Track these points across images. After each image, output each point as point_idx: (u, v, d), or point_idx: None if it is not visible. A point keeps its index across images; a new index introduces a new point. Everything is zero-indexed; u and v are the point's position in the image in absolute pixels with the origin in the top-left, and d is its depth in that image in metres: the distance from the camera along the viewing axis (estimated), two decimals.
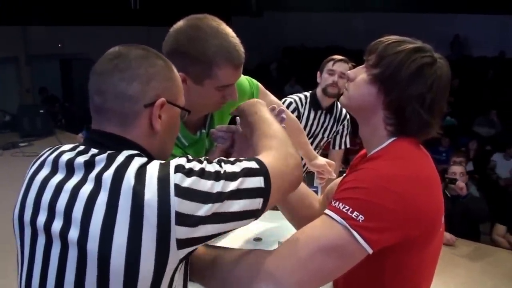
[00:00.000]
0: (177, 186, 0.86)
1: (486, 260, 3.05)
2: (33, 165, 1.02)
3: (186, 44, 1.29)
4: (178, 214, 0.85)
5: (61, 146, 1.01)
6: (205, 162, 0.94)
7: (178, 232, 0.85)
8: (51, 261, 0.90)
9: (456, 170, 3.96)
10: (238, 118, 1.35)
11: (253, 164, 0.98)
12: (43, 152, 1.03)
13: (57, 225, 0.90)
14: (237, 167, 0.95)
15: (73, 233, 0.87)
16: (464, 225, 3.69)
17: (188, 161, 0.92)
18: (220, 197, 0.89)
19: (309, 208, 1.44)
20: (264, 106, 1.26)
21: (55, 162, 0.97)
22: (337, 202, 1.02)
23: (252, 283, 1.00)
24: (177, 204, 0.85)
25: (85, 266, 0.86)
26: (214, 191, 0.89)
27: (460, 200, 3.75)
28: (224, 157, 1.32)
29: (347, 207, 1.00)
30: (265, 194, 0.97)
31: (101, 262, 0.84)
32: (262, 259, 1.02)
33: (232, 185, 0.91)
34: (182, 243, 0.87)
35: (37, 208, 0.94)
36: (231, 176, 0.92)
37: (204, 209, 0.87)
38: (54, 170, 0.96)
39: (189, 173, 0.89)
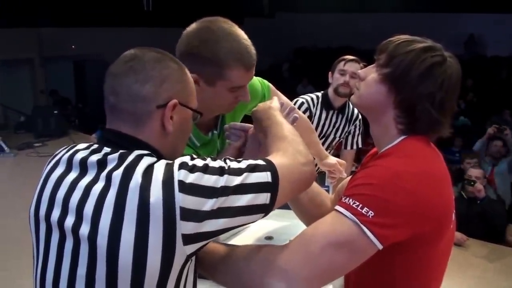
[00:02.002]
0: (181, 182, 0.88)
1: (500, 261, 3.02)
2: (49, 163, 1.04)
3: (198, 46, 1.31)
4: (183, 209, 0.87)
5: (76, 145, 1.04)
6: (208, 159, 0.95)
7: (184, 227, 0.87)
8: (64, 256, 0.93)
9: (472, 173, 3.93)
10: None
11: (259, 162, 0.99)
12: (59, 151, 1.05)
13: (69, 221, 0.93)
14: (242, 164, 0.97)
15: (84, 229, 0.90)
16: (481, 228, 3.65)
17: (192, 158, 0.94)
18: (225, 191, 0.90)
19: (320, 207, 1.45)
20: (276, 110, 1.27)
21: (70, 160, 0.99)
22: (348, 198, 1.03)
23: (263, 277, 1.01)
24: (182, 200, 0.87)
25: (95, 261, 0.88)
26: (219, 185, 0.90)
27: (477, 203, 3.73)
28: (237, 156, 1.34)
29: (357, 203, 1.01)
30: (273, 188, 0.97)
31: (110, 257, 0.87)
32: (273, 254, 1.03)
33: (237, 180, 0.93)
34: (188, 239, 0.88)
35: (52, 204, 0.97)
36: (236, 171, 0.94)
37: (209, 204, 0.89)
38: (68, 168, 0.99)
39: (192, 169, 0.90)
